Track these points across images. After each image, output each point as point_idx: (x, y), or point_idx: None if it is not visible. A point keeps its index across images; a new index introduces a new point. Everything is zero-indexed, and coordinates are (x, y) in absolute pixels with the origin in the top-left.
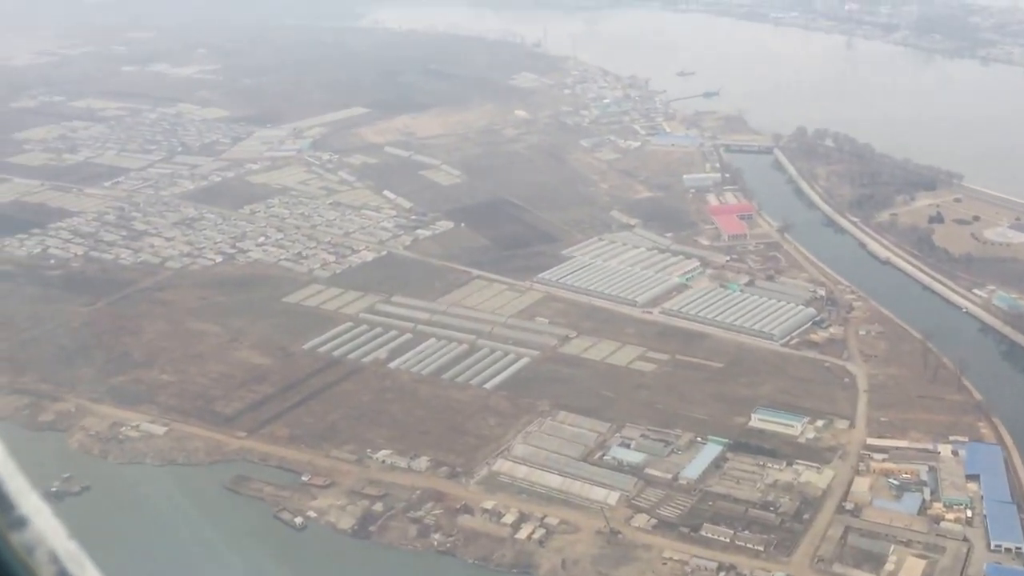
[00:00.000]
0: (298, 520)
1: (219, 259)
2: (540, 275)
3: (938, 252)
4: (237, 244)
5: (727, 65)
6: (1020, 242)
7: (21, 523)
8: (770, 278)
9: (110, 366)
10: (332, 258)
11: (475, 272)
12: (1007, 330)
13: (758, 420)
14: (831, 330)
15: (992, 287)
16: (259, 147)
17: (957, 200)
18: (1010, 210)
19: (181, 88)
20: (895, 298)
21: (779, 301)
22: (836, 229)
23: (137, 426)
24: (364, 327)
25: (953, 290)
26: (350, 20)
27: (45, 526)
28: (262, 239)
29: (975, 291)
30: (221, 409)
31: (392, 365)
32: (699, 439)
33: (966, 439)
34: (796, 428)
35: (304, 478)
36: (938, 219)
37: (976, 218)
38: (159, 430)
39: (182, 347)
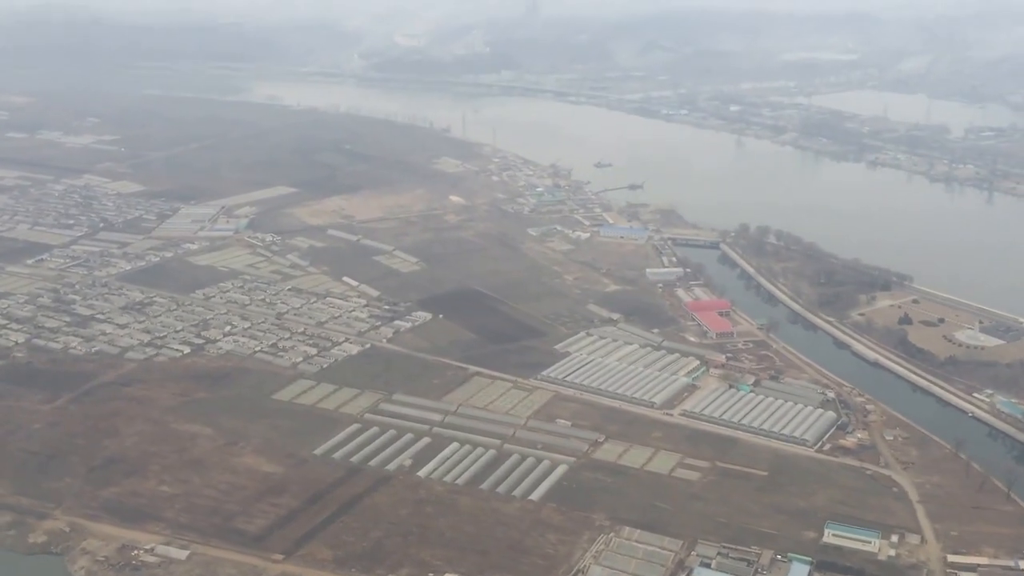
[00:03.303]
0: None
1: (186, 350)
2: (543, 373)
3: (925, 355)
4: (202, 333)
5: (639, 158)
6: (994, 345)
7: None
8: (774, 378)
9: (96, 475)
10: (313, 351)
11: (472, 368)
12: (1022, 437)
13: (832, 536)
14: (858, 435)
15: (990, 391)
16: (190, 225)
17: (915, 302)
18: (968, 312)
19: (80, 159)
20: (898, 400)
21: (795, 404)
22: (806, 326)
23: (152, 549)
24: (375, 429)
25: (953, 394)
26: (231, 94)
27: None
28: (228, 328)
29: (975, 395)
30: (244, 526)
31: (422, 474)
32: (779, 557)
33: None
34: (873, 544)
35: None
36: (907, 320)
37: (941, 320)
38: (180, 554)
39: (174, 452)
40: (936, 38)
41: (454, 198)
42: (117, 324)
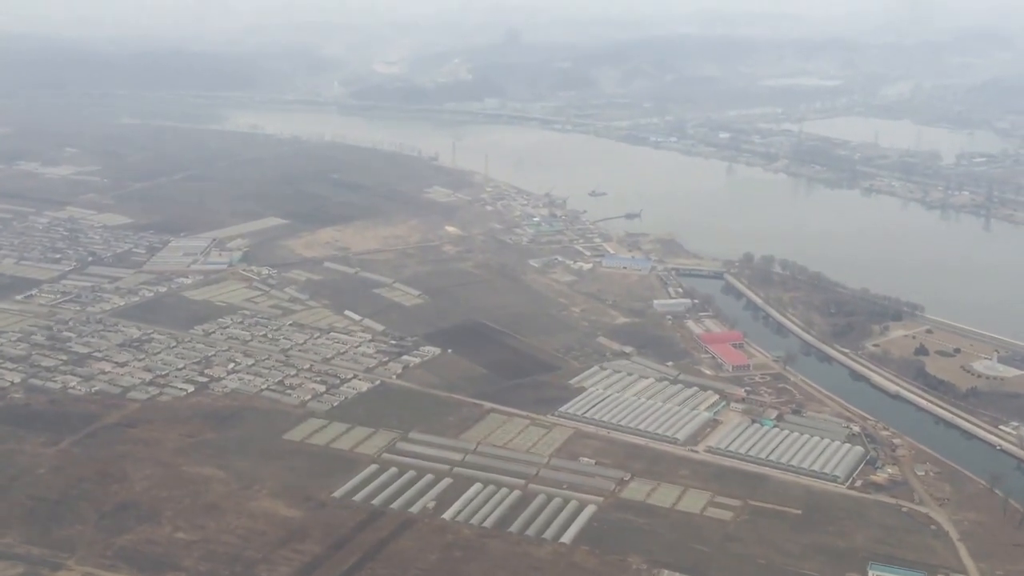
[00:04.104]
0: None
1: (190, 388)
2: (561, 409)
3: (946, 386)
4: (205, 371)
5: (632, 186)
6: (1013, 376)
7: None
8: (796, 412)
9: (108, 522)
10: (322, 388)
11: (487, 405)
12: None
13: None
14: (888, 470)
15: (1015, 423)
16: (181, 259)
17: (929, 331)
18: (982, 342)
19: (62, 190)
20: (923, 434)
21: (821, 438)
22: (820, 358)
23: None
24: (394, 470)
25: (979, 426)
26: (211, 123)
27: None
28: (232, 365)
29: (1001, 427)
30: (267, 575)
31: (447, 516)
32: None
33: None
34: None
35: None
36: (923, 351)
37: (957, 350)
38: None
39: (187, 496)
40: (917, 64)
41: (450, 228)
42: (116, 362)
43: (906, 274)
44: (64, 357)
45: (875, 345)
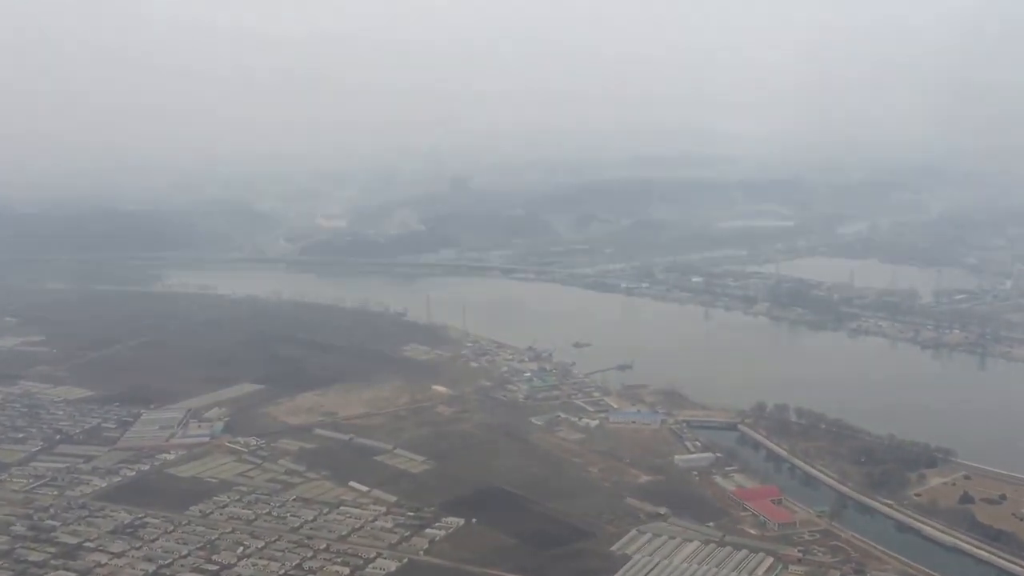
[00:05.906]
0: None
1: None
2: None
3: (1006, 536)
4: (213, 558)
5: (615, 335)
6: None
7: None
8: (859, 573)
9: None
10: (346, 570)
11: None
12: None
13: None
14: None
15: None
16: (158, 432)
17: (967, 477)
18: (1023, 487)
19: (9, 363)
20: None
21: None
22: (859, 510)
23: None
24: None
25: None
26: (153, 285)
27: None
28: (241, 549)
29: None
30: None
31: None
32: None
33: None
34: None
35: None
36: (968, 499)
37: (1003, 497)
38: None
39: None
40: (866, 201)
41: (438, 388)
42: (112, 552)
43: (924, 417)
44: (52, 549)
45: (917, 494)
